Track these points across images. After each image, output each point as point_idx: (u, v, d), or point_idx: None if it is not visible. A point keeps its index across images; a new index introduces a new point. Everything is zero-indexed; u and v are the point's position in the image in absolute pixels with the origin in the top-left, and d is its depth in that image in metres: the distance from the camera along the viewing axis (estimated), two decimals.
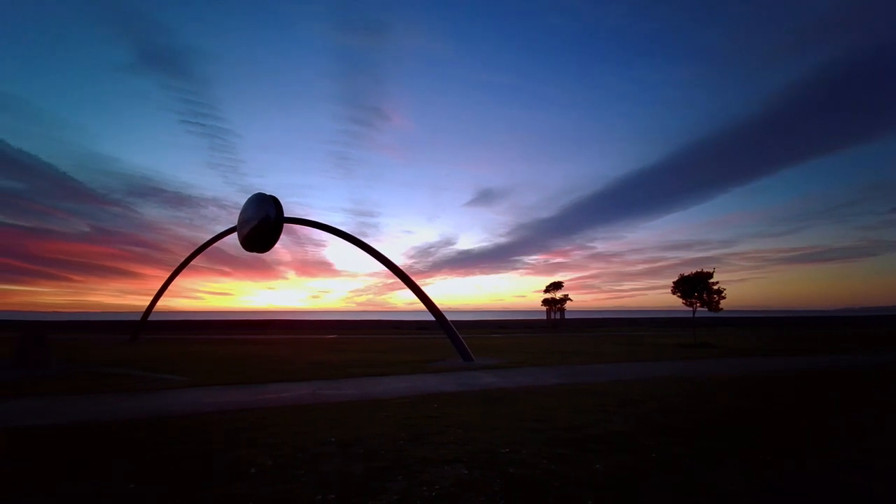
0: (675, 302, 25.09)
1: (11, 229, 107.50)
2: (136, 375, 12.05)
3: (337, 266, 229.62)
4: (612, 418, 6.96)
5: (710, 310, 23.97)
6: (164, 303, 30.10)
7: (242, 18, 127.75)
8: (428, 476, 4.42)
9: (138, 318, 30.99)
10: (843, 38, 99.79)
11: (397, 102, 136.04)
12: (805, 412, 7.59)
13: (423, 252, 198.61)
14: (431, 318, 18.85)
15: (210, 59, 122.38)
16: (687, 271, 24.51)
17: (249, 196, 21.03)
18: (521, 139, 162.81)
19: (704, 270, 24.00)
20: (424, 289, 18.30)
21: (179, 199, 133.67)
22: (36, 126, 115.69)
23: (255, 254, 21.69)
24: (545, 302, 44.38)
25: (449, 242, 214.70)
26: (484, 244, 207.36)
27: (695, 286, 23.81)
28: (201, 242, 28.28)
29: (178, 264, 29.45)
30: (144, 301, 31.49)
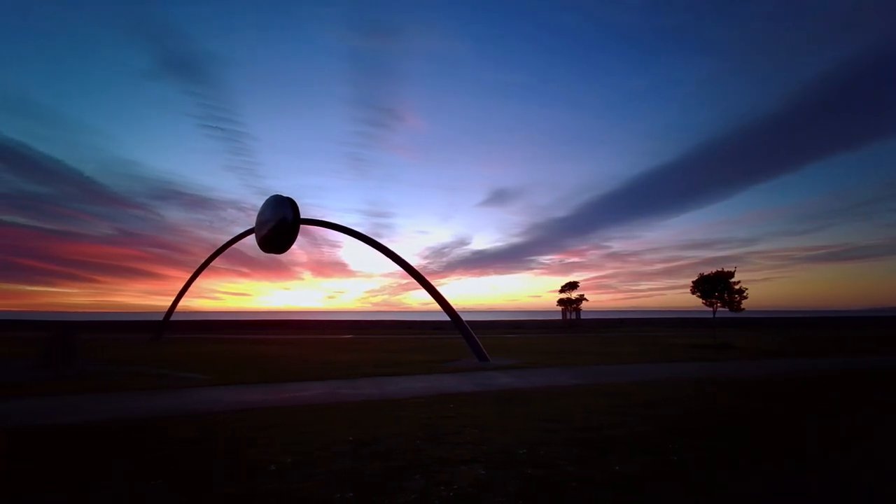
0: (695, 302, 24.67)
1: (39, 232, 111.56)
2: (160, 374, 12.35)
3: (352, 266, 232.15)
4: (631, 420, 6.86)
5: (731, 310, 23.46)
6: (184, 303, 30.86)
7: (259, 25, 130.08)
8: (445, 476, 4.43)
9: (161, 317, 31.79)
10: (870, 30, 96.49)
11: (411, 103, 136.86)
12: (842, 416, 7.37)
13: (438, 252, 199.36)
14: (446, 318, 18.88)
15: (227, 65, 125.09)
16: (706, 271, 24.07)
17: (267, 198, 21.38)
18: (535, 138, 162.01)
19: (725, 270, 23.55)
20: (439, 289, 18.34)
21: (199, 202, 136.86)
22: (61, 132, 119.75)
23: (272, 255, 22.04)
24: (561, 302, 44.02)
25: (463, 242, 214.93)
26: (498, 244, 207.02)
27: (715, 286, 23.35)
28: (220, 244, 28.90)
29: (199, 265, 30.13)
30: (166, 301, 32.31)
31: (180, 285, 30.68)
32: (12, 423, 6.78)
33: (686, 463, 4.87)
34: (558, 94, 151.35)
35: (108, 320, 45.53)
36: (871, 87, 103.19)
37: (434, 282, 18.98)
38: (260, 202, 21.89)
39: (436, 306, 18.59)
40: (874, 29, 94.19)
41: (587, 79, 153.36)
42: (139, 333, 34.16)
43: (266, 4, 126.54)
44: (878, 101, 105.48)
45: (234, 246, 28.09)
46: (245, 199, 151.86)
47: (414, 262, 20.79)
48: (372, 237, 19.90)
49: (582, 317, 45.62)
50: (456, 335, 23.53)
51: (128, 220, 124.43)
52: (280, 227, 20.18)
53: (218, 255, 29.25)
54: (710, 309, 23.94)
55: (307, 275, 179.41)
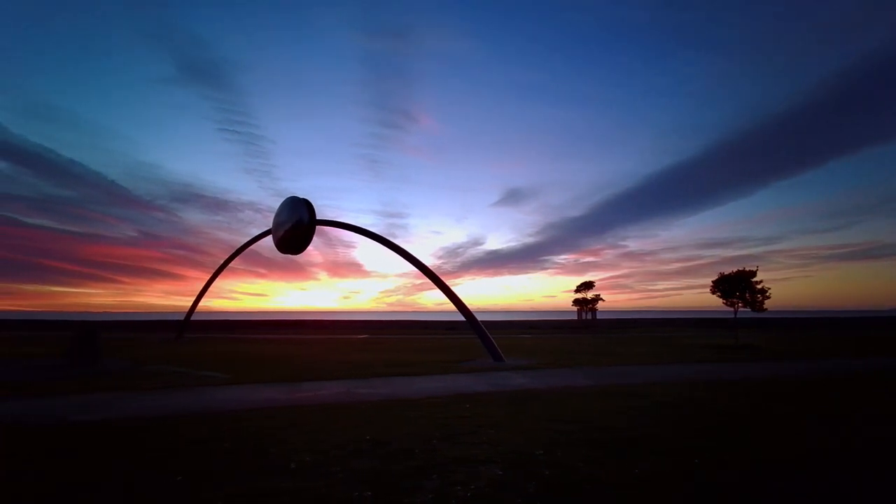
0: (714, 302, 24.10)
1: (64, 235, 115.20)
2: (181, 373, 12.64)
3: (367, 267, 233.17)
4: (649, 421, 6.77)
5: (753, 310, 22.88)
6: (203, 303, 31.47)
7: (274, 31, 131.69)
8: (462, 476, 4.44)
9: (181, 317, 32.52)
10: None
11: (424, 104, 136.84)
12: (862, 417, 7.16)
13: (452, 252, 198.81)
14: (460, 318, 18.86)
15: (244, 70, 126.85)
16: (726, 270, 23.46)
17: (283, 200, 21.69)
18: (549, 138, 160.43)
19: (746, 269, 22.93)
20: (453, 289, 18.34)
21: (218, 204, 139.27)
22: (85, 137, 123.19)
23: (288, 256, 22.33)
24: (576, 302, 43.64)
25: (477, 243, 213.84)
26: (512, 244, 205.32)
27: (736, 285, 22.79)
28: (238, 245, 29.40)
29: (218, 266, 30.72)
30: (186, 302, 33.03)
31: (199, 286, 31.35)
32: (49, 420, 7.03)
33: (708, 466, 4.78)
34: (571, 93, 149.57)
35: (131, 320, 46.70)
36: None
37: (448, 282, 18.97)
38: (276, 204, 22.21)
39: (450, 306, 18.58)
40: None
41: (600, 77, 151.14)
42: (161, 333, 34.98)
43: (281, 10, 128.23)
44: None
45: (251, 247, 28.57)
46: (262, 200, 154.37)
47: (428, 262, 20.79)
48: (386, 237, 20.01)
49: (598, 317, 45.15)
50: (470, 335, 23.49)
51: (150, 223, 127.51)
52: (296, 228, 20.44)
53: (236, 257, 29.78)
54: (731, 309, 23.41)
55: (323, 275, 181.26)
